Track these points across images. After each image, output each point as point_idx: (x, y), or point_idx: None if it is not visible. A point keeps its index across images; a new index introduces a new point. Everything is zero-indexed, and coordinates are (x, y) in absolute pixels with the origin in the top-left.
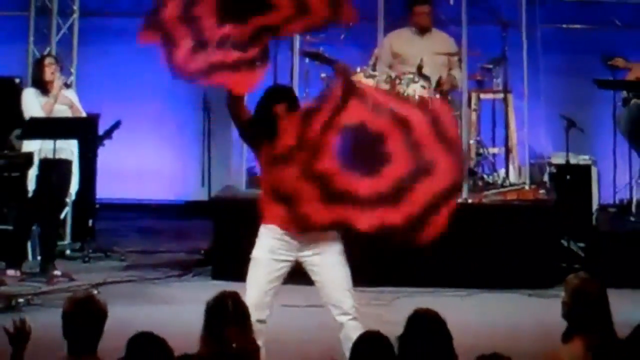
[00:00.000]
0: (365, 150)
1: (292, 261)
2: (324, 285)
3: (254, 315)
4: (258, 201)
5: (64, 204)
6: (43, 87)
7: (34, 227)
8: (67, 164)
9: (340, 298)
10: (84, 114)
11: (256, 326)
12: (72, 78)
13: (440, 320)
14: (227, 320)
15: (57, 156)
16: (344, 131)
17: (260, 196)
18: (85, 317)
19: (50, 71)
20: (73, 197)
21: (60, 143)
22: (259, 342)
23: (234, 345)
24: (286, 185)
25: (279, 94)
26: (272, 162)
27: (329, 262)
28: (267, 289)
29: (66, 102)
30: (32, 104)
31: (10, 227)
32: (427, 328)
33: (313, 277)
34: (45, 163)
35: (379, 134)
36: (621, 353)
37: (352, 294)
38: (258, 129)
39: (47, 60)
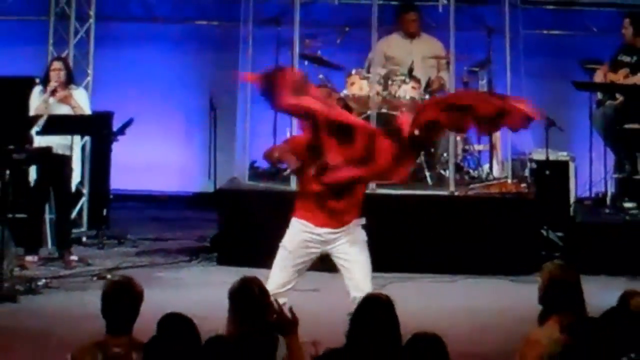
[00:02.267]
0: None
1: (320, 253)
2: (349, 270)
3: (279, 295)
4: (294, 194)
5: (70, 195)
6: (47, 87)
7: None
8: (63, 158)
9: (362, 281)
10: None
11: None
12: (89, 79)
13: (390, 304)
14: (254, 303)
15: (54, 151)
16: None
17: (298, 192)
18: (122, 298)
19: (55, 74)
20: (73, 189)
21: (59, 139)
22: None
23: (274, 316)
24: (319, 199)
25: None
26: (317, 172)
27: (356, 250)
28: (294, 276)
29: (67, 103)
30: (32, 103)
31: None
32: (376, 310)
33: (339, 262)
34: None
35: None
36: (593, 333)
37: (371, 278)
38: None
39: (54, 65)
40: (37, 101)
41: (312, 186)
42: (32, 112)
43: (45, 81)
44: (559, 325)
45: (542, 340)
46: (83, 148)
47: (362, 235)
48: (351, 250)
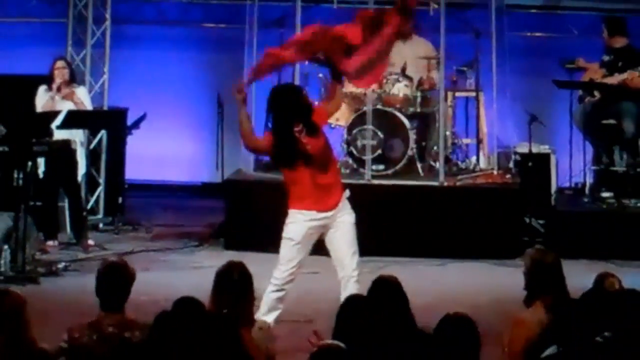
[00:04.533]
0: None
1: (319, 235)
2: (337, 250)
3: (289, 279)
4: (286, 190)
5: (78, 185)
6: (51, 86)
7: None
8: (69, 152)
9: (349, 261)
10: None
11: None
12: (105, 77)
13: (399, 284)
14: (232, 286)
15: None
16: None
17: (289, 188)
18: (115, 278)
19: (59, 73)
20: (80, 179)
21: (66, 134)
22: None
23: (224, 311)
24: (312, 181)
25: (294, 111)
26: (298, 168)
27: (345, 231)
28: (300, 264)
29: (71, 99)
30: (38, 101)
31: None
32: (387, 290)
33: (329, 243)
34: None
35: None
36: (576, 311)
37: (358, 259)
38: (281, 153)
39: (57, 64)
40: (43, 98)
41: (302, 174)
42: (39, 108)
43: (50, 79)
44: (545, 307)
45: (529, 321)
46: (100, 141)
47: (352, 218)
48: (341, 231)
